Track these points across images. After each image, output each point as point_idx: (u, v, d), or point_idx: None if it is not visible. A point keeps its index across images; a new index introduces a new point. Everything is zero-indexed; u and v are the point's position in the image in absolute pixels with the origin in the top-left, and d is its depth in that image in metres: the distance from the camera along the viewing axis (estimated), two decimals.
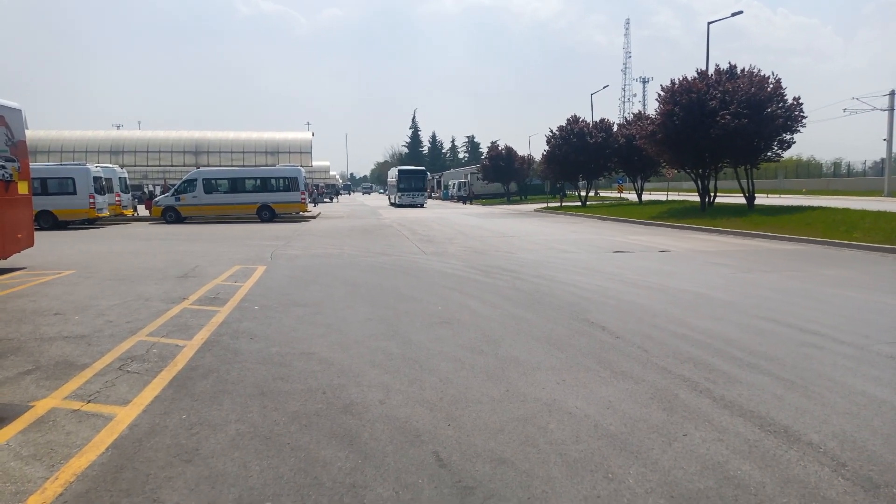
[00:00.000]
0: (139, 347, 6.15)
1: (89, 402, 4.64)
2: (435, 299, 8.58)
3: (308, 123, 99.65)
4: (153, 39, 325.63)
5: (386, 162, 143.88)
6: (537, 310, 7.81)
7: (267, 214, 29.66)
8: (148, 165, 50.12)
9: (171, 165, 49.50)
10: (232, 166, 42.91)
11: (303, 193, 30.19)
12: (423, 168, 59.21)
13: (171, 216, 28.93)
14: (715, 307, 7.93)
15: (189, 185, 29.40)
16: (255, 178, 30.84)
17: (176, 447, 3.82)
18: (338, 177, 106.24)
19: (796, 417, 4.19)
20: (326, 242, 17.75)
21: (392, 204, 54.34)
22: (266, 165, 43.09)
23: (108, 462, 3.63)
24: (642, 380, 5.03)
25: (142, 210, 34.58)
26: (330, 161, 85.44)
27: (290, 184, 30.07)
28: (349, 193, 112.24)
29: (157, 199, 31.41)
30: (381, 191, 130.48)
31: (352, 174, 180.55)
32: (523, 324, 7.03)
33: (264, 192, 29.99)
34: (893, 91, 43.57)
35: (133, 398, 4.69)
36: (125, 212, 31.10)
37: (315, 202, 59.21)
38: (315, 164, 58.29)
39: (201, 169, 33.43)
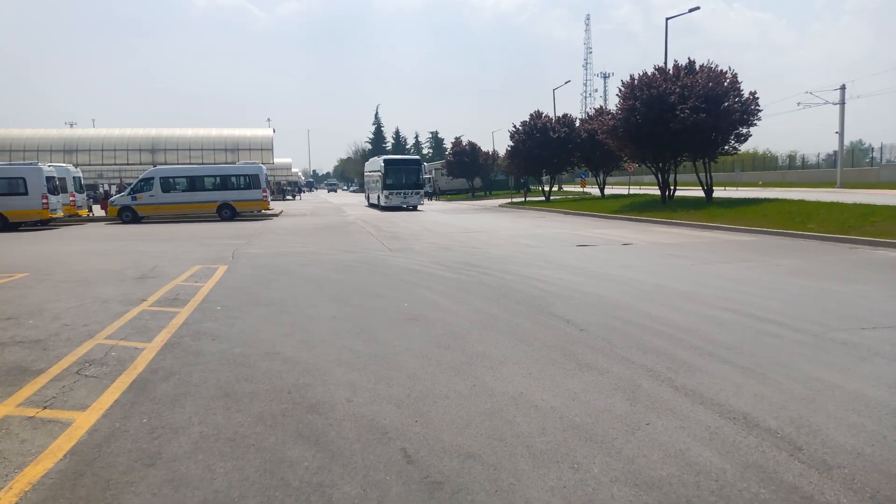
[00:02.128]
0: (97, 351, 5.99)
1: (45, 408, 4.50)
2: (401, 296, 8.56)
3: (269, 120, 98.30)
4: (107, 34, 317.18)
5: (349, 158, 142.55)
6: (504, 304, 7.86)
7: (227, 213, 29.17)
8: (103, 164, 48.84)
9: (127, 164, 48.31)
10: (190, 164, 42.02)
11: (264, 191, 29.77)
12: (418, 158, 43.31)
13: (127, 216, 28.21)
14: (676, 298, 8.10)
15: (146, 183, 28.70)
16: (215, 176, 30.29)
17: (137, 451, 3.74)
18: (300, 174, 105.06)
19: (755, 404, 4.31)
20: (290, 241, 17.55)
21: (374, 205, 41.32)
22: (226, 163, 42.30)
23: (67, 469, 3.53)
24: (606, 371, 5.10)
25: (97, 210, 33.64)
26: (292, 158, 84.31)
27: (251, 181, 29.63)
28: (311, 191, 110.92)
29: (112, 198, 30.59)
30: (347, 187, 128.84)
31: (314, 171, 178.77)
32: (490, 319, 7.07)
33: (224, 191, 29.48)
34: (844, 85, 45.00)
35: (92, 403, 4.57)
36: (80, 212, 30.19)
37: (287, 196, 58.29)
38: (276, 161, 57.44)
39: (158, 167, 32.72)
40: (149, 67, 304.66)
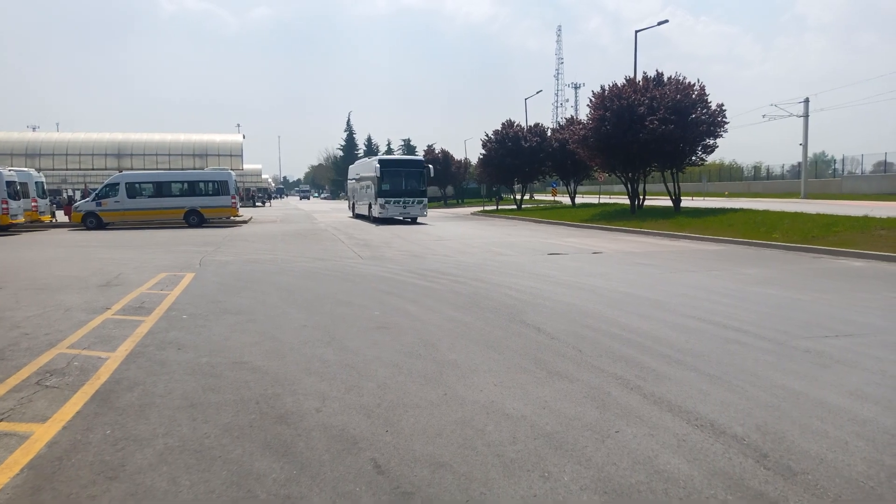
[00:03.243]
0: (59, 360, 5.82)
1: (2, 420, 4.35)
2: (372, 304, 8.51)
3: (238, 125, 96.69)
4: (73, 36, 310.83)
5: (321, 165, 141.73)
6: (475, 312, 7.86)
7: (195, 219, 28.73)
8: (67, 169, 47.77)
9: (92, 169, 47.34)
10: (157, 170, 41.34)
11: (233, 197, 29.42)
12: (421, 159, 34.41)
13: (91, 222, 27.60)
14: (644, 306, 8.19)
15: (111, 189, 28.13)
16: (183, 182, 29.83)
17: (100, 464, 3.63)
18: (270, 180, 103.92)
19: (721, 411, 4.37)
20: (259, 248, 17.34)
21: (361, 216, 34.23)
22: (194, 169, 41.69)
23: (24, 484, 3.42)
24: (577, 379, 5.13)
25: (61, 216, 32.83)
26: (262, 164, 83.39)
27: (220, 187, 29.27)
28: (281, 197, 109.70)
29: (76, 204, 29.89)
30: (318, 194, 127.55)
31: (285, 178, 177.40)
32: (461, 327, 7.06)
33: (192, 197, 29.05)
34: (808, 99, 46.31)
35: (52, 414, 4.43)
36: (42, 218, 29.41)
37: (257, 203, 57.48)
38: (246, 167, 56.86)
39: (124, 172, 32.07)
40: (115, 71, 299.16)
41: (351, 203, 38.65)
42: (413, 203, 29.75)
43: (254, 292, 9.65)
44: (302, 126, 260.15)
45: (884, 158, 51.92)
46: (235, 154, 48.64)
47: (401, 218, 29.72)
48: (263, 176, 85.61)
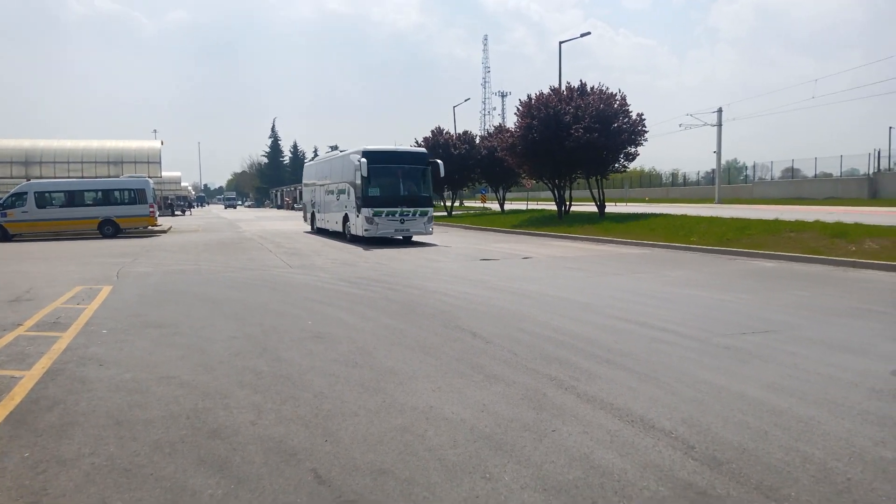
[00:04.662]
0: None
1: None
2: (305, 314, 8.37)
3: (155, 131, 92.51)
4: None
5: (244, 172, 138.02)
6: (410, 319, 7.86)
7: (110, 230, 27.37)
8: None
9: None
10: (69, 178, 39.13)
11: (151, 206, 28.22)
12: (423, 151, 23.60)
13: None
14: (575, 309, 8.43)
15: (18, 198, 26.43)
16: (97, 191, 28.36)
17: (18, 489, 3.41)
18: (190, 188, 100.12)
19: (650, 407, 4.56)
20: (181, 258, 16.70)
21: (328, 232, 25.38)
22: (109, 177, 39.71)
23: None
24: (513, 381, 5.22)
25: None
26: (181, 172, 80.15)
27: (137, 196, 28.00)
28: (203, 206, 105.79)
29: None
30: (242, 202, 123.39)
31: (206, 185, 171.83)
32: (397, 334, 7.05)
33: (107, 206, 27.66)
34: (721, 109, 48.97)
35: None
36: None
37: (177, 211, 55.29)
38: (165, 174, 54.42)
39: (33, 181, 30.23)
40: (19, 76, 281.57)
41: (309, 213, 29.02)
42: (414, 215, 20.23)
43: (177, 304, 9.29)
44: (224, 132, 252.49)
45: (791, 165, 55.59)
46: (153, 161, 46.63)
47: (399, 237, 20.97)
48: (183, 183, 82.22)
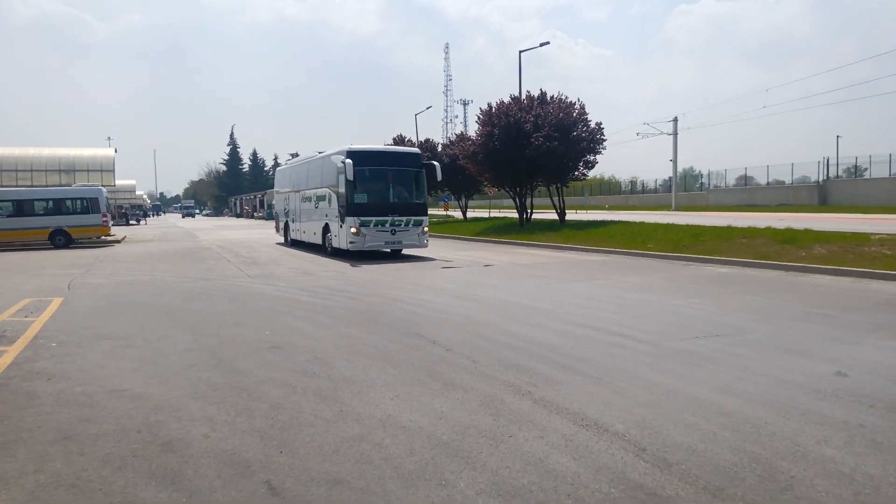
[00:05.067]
0: None
1: None
2: (263, 324, 8.26)
3: (109, 139, 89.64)
4: None
5: (201, 180, 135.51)
6: (370, 328, 7.83)
7: (62, 240, 26.54)
8: None
9: None
10: (18, 187, 37.85)
11: (105, 215, 27.48)
12: (415, 151, 20.66)
13: None
14: (535, 316, 8.51)
15: None
16: (47, 200, 27.49)
17: None
18: (145, 196, 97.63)
19: (605, 411, 4.63)
20: (135, 268, 16.30)
21: (305, 245, 22.69)
22: (61, 185, 38.52)
23: None
24: (471, 388, 5.25)
25: None
26: (136, 180, 78.07)
27: (90, 205, 27.22)
28: (158, 215, 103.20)
29: None
30: (201, 210, 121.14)
31: (161, 194, 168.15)
32: (356, 343, 7.01)
33: (58, 215, 26.83)
34: (676, 118, 50.13)
35: None
36: None
37: (131, 221, 53.95)
38: (119, 182, 53.04)
39: None
40: None
41: (282, 223, 25.85)
42: (406, 225, 17.91)
43: (131, 316, 9.07)
44: (180, 139, 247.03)
45: (744, 173, 57.29)
46: (106, 169, 45.39)
47: (387, 250, 18.50)
48: (138, 192, 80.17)
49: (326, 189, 19.44)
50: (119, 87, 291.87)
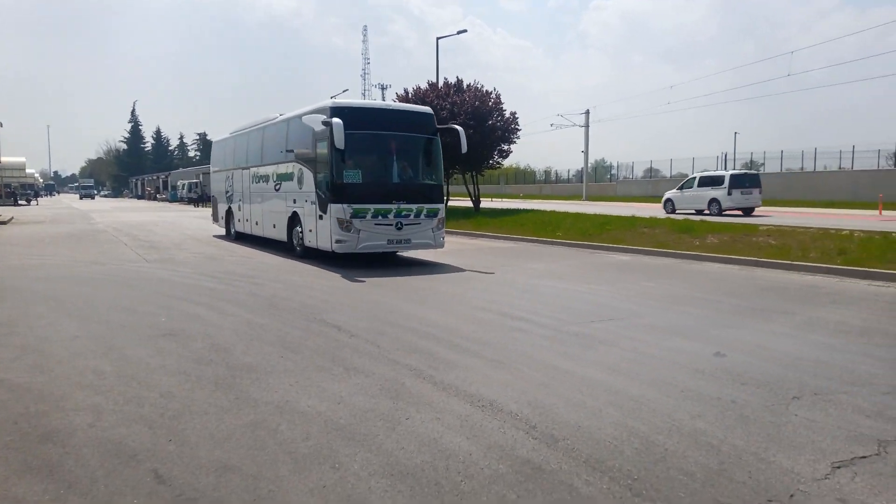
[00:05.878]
0: None
1: None
2: (158, 310, 7.93)
3: None
4: None
5: (100, 159, 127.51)
6: (273, 314, 7.70)
7: None
8: None
9: None
10: None
11: None
12: (426, 110, 13.78)
13: None
14: (444, 300, 8.64)
15: None
16: None
17: None
18: (37, 175, 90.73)
19: (501, 392, 4.79)
20: (23, 252, 15.19)
21: (260, 239, 16.71)
22: None
23: None
24: (373, 373, 5.28)
25: None
26: (26, 157, 72.32)
27: None
28: (52, 195, 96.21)
29: None
30: (99, 191, 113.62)
31: (56, 172, 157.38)
32: (258, 329, 6.88)
33: None
34: (588, 110, 51.81)
35: None
36: None
37: (20, 201, 50.33)
38: (6, 160, 49.10)
39: None
40: None
41: (224, 210, 19.87)
42: (417, 216, 12.57)
43: (14, 302, 8.48)
44: (77, 115, 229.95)
45: (650, 166, 60.20)
46: None
47: (391, 250, 12.93)
48: (29, 170, 74.23)
49: (294, 164, 13.84)
50: (9, 56, 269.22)
